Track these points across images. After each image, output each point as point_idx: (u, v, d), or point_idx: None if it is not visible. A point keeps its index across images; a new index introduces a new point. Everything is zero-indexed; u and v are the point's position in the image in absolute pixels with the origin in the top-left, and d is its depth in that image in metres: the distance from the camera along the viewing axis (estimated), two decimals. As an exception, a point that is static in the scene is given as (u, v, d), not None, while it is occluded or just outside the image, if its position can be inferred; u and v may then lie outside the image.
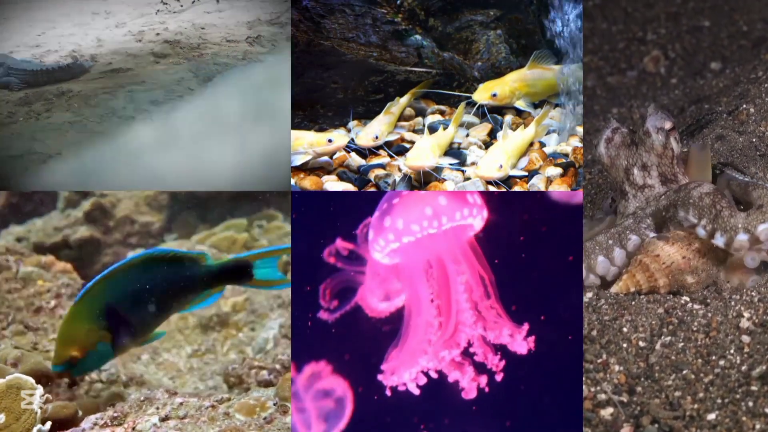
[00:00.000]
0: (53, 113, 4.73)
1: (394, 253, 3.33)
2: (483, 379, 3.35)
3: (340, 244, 3.39)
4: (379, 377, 3.36)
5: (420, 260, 3.35)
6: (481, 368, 3.35)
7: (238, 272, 3.79)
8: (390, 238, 3.26)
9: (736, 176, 3.88)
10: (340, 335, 3.41)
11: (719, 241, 3.63)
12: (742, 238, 3.59)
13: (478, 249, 3.38)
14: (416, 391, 3.33)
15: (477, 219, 3.34)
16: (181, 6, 5.58)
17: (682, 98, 5.37)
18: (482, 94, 4.61)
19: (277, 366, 3.89)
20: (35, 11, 6.04)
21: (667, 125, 3.87)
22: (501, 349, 3.35)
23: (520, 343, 3.32)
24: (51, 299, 4.49)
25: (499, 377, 3.35)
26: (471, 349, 3.35)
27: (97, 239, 6.20)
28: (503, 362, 3.35)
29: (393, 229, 3.26)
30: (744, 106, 4.39)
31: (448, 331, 3.32)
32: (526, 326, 3.35)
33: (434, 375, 3.34)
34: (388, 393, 3.35)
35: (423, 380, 3.33)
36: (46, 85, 5.02)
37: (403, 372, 3.31)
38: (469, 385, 3.33)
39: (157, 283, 3.66)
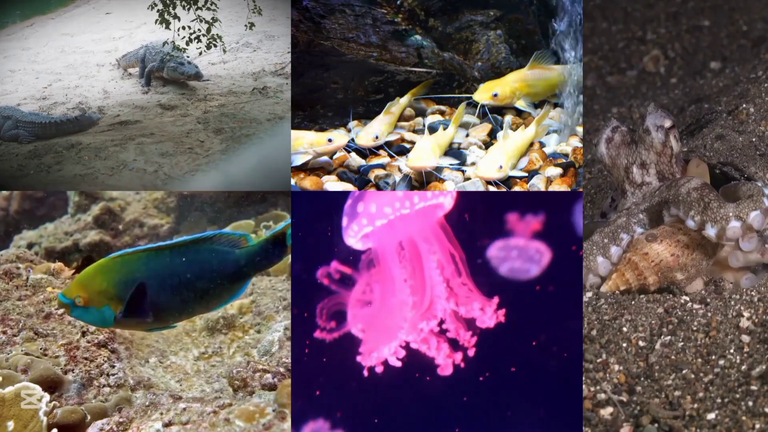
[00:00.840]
0: (64, 166, 4.70)
1: (367, 237, 3.33)
2: (458, 356, 3.36)
3: (335, 266, 3.41)
4: (358, 359, 3.35)
5: (392, 242, 3.35)
6: (455, 345, 3.36)
7: (278, 246, 3.60)
8: (364, 223, 3.27)
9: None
10: (336, 357, 3.42)
11: (710, 232, 3.60)
12: (735, 224, 3.57)
13: (448, 228, 3.38)
14: (398, 364, 3.32)
15: (447, 198, 3.35)
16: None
17: (681, 98, 5.37)
18: (483, 94, 4.60)
19: (281, 369, 3.90)
20: (40, 63, 6.02)
21: (667, 123, 3.88)
22: (472, 327, 3.36)
23: (491, 316, 3.33)
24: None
25: (471, 352, 3.35)
26: (444, 326, 3.35)
27: (107, 243, 6.22)
28: (475, 338, 3.35)
29: (366, 213, 3.27)
30: (744, 105, 4.39)
31: (424, 306, 3.33)
32: (496, 299, 3.34)
33: (414, 348, 3.34)
34: (366, 374, 3.35)
35: (402, 353, 3.33)
36: (54, 137, 4.96)
37: (383, 347, 3.32)
38: (445, 361, 3.34)
39: (194, 275, 3.51)
